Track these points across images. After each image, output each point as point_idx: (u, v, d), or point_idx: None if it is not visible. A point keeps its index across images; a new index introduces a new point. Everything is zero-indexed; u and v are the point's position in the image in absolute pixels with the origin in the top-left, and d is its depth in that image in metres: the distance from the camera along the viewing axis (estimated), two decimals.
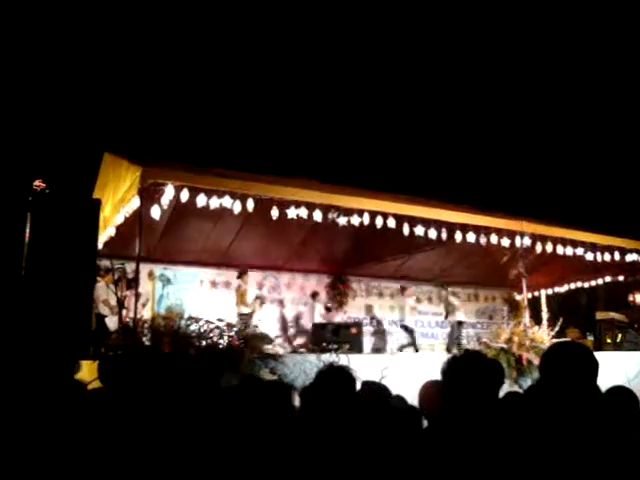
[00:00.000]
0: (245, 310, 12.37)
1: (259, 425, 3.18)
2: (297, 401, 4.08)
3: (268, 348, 9.46)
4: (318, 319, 13.96)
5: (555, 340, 9.76)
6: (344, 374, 3.37)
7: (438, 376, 3.18)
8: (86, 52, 22.89)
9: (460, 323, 14.19)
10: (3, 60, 20.00)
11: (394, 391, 4.38)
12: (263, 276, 14.44)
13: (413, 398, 4.22)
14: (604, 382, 2.86)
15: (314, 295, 14.62)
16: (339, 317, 14.42)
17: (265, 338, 10.10)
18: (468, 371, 2.69)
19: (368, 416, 2.71)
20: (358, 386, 3.53)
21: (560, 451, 2.27)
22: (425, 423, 3.78)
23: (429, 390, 4.05)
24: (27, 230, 4.49)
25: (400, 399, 4.22)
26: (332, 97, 26.50)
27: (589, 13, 24.93)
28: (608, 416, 2.44)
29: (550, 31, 26.48)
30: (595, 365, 2.49)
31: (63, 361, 4.19)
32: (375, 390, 4.15)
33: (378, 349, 14.65)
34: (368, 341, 14.42)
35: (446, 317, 14.59)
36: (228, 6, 25.89)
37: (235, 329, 8.77)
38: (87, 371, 6.47)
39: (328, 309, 14.42)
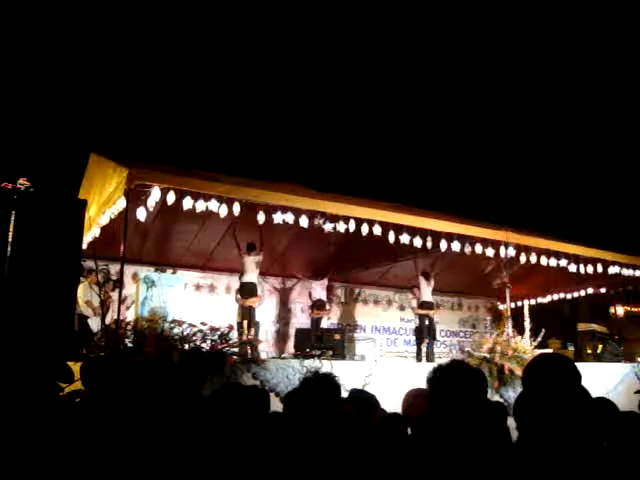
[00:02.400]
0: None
1: (237, 429, 3.18)
2: (279, 405, 4.09)
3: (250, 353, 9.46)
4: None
5: (538, 351, 9.80)
6: (329, 382, 3.37)
7: (420, 383, 3.19)
8: (75, 52, 22.81)
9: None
10: None
11: (377, 398, 4.38)
12: None
13: (395, 405, 4.22)
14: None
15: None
16: (323, 323, 14.37)
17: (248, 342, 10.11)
18: (453, 380, 2.70)
19: (354, 424, 2.70)
20: (343, 393, 3.53)
21: (543, 459, 2.28)
22: (409, 431, 3.79)
23: (414, 398, 4.05)
24: (10, 229, 4.46)
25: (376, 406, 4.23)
26: (321, 104, 26.53)
27: (586, 18, 25.09)
28: (593, 425, 2.45)
29: (538, 43, 26.62)
30: (578, 377, 2.51)
31: (45, 362, 4.16)
32: (363, 398, 4.15)
33: (361, 356, 14.66)
34: (351, 347, 14.44)
35: None
36: (218, 7, 25.87)
37: (218, 333, 8.74)
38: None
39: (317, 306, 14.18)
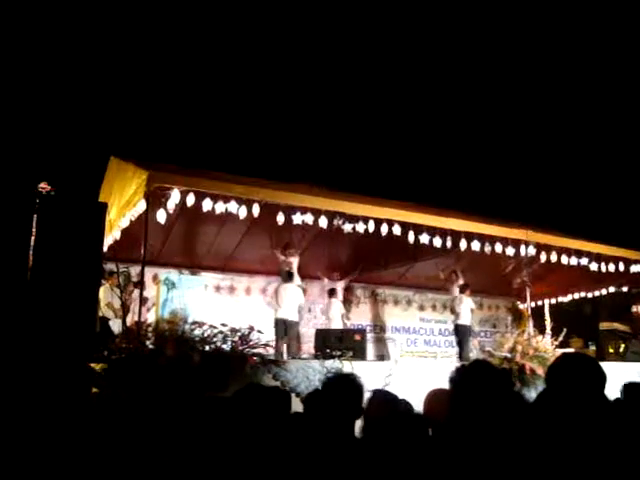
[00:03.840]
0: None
1: (258, 430, 3.18)
2: (300, 406, 4.08)
3: (271, 354, 9.45)
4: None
5: (561, 351, 9.73)
6: (352, 383, 3.37)
7: (441, 384, 3.17)
8: (94, 56, 22.95)
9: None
10: (9, 63, 20.06)
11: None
12: (267, 282, 14.38)
13: (416, 405, 4.21)
14: (606, 392, 2.84)
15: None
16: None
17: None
18: (477, 380, 2.68)
19: (377, 423, 2.70)
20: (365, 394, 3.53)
21: (567, 460, 2.26)
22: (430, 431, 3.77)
23: (435, 398, 4.04)
24: (33, 233, 4.49)
25: (406, 404, 4.21)
26: (340, 104, 26.52)
27: (588, 16, 24.92)
28: (617, 425, 2.43)
29: (556, 36, 26.45)
30: (602, 377, 2.48)
31: (68, 363, 4.19)
32: (385, 398, 4.14)
33: (382, 356, 14.64)
34: (372, 348, 14.42)
35: None
36: (237, 12, 25.94)
37: (239, 334, 8.75)
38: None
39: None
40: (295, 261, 12.51)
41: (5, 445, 3.06)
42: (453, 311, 14.29)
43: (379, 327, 15.91)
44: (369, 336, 14.26)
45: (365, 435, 3.34)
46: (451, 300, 14.69)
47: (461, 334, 13.82)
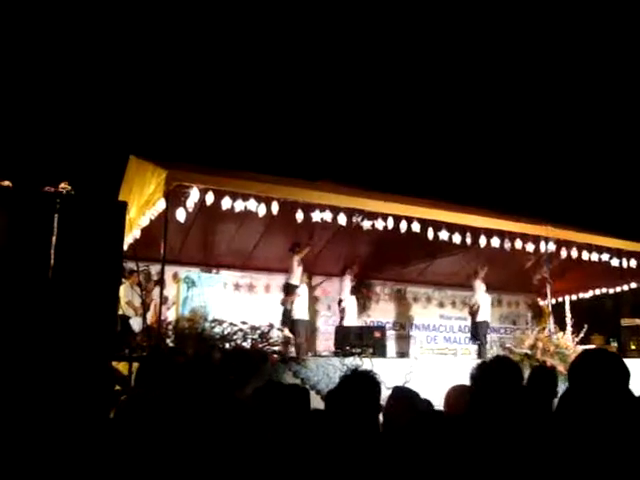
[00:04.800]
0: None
1: (277, 428, 3.19)
2: (320, 403, 4.08)
3: (291, 351, 9.48)
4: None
5: (583, 347, 9.68)
6: (369, 379, 3.37)
7: (461, 380, 3.17)
8: (115, 57, 23.08)
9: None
10: (30, 65, 20.22)
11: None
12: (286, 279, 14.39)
13: (436, 402, 4.20)
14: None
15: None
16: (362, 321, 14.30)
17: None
18: (498, 376, 2.68)
19: (396, 420, 2.70)
20: (383, 390, 3.52)
21: (592, 458, 2.25)
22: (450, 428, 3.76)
23: (455, 394, 4.03)
24: (54, 232, 4.53)
25: (428, 403, 4.20)
26: (360, 102, 26.51)
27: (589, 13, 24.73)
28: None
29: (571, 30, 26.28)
30: (626, 373, 2.46)
31: (90, 361, 4.22)
32: (405, 395, 4.13)
33: (402, 353, 14.61)
34: (392, 345, 14.38)
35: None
36: (256, 10, 25.98)
37: (258, 332, 8.78)
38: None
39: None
40: (296, 259, 12.46)
41: (24, 444, 3.08)
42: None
43: (399, 324, 15.87)
44: (389, 333, 14.21)
45: (385, 432, 3.34)
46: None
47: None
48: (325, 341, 13.91)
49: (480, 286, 13.72)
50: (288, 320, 12.02)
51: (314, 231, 11.57)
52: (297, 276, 12.48)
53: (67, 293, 4.49)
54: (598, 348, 8.88)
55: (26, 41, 20.42)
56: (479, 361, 2.90)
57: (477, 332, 13.64)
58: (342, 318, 13.55)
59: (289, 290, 12.42)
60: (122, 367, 6.84)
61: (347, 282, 13.86)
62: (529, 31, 26.34)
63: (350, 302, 13.77)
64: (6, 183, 4.63)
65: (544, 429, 2.49)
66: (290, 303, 12.30)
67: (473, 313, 13.63)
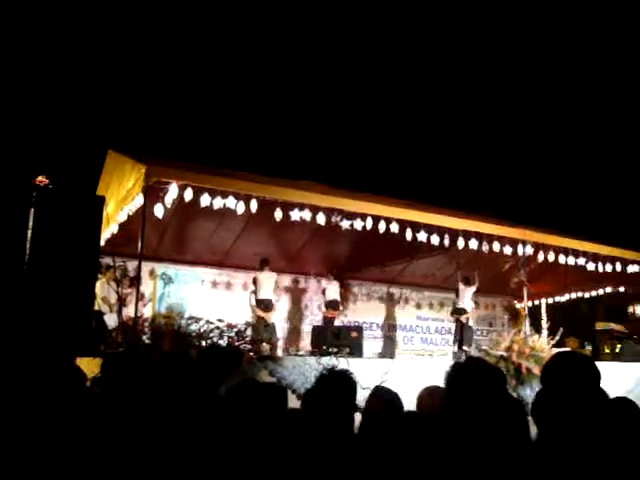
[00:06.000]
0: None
1: (253, 426, 3.18)
2: (296, 403, 4.08)
3: (267, 349, 9.46)
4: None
5: (556, 350, 9.74)
6: (345, 378, 3.37)
7: (438, 381, 3.17)
8: (92, 49, 22.92)
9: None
10: (7, 58, 20.02)
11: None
12: None
13: (410, 403, 4.21)
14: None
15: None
16: (339, 321, 14.34)
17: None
18: (471, 377, 2.69)
19: (375, 420, 2.71)
20: (359, 390, 3.52)
21: (561, 458, 2.27)
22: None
23: (428, 396, 4.04)
24: (29, 226, 4.49)
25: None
26: (339, 101, 26.51)
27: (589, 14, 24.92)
28: (613, 425, 2.43)
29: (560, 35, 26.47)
30: (597, 374, 2.50)
31: (63, 357, 4.18)
32: (385, 395, 4.13)
33: (379, 353, 14.64)
34: (368, 345, 14.41)
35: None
36: (234, 5, 25.92)
37: (235, 329, 8.76)
38: (85, 368, 6.47)
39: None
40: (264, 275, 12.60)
41: None
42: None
43: (376, 324, 15.91)
44: (366, 333, 14.24)
45: (362, 432, 3.34)
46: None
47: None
48: (302, 341, 13.97)
49: (470, 293, 13.89)
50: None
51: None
52: (268, 290, 12.57)
53: (42, 288, 4.45)
54: (570, 350, 8.95)
55: (2, 34, 20.21)
56: (452, 362, 2.91)
57: (463, 338, 13.77)
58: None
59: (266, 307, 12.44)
60: (96, 363, 6.78)
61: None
62: (509, 37, 26.47)
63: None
64: None
65: (515, 429, 2.50)
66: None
67: (464, 320, 13.84)
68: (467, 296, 13.94)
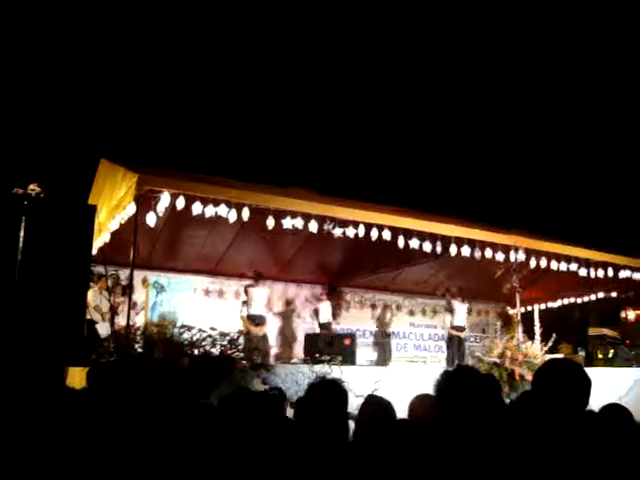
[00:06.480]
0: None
1: (247, 435, 3.17)
2: (289, 411, 4.07)
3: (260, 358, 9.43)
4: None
5: (549, 356, 9.75)
6: (336, 387, 3.36)
7: (430, 389, 3.17)
8: (84, 57, 22.90)
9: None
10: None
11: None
12: None
13: (403, 411, 4.21)
14: (595, 398, 2.85)
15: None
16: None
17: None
18: (461, 386, 2.69)
19: (368, 429, 2.70)
20: (352, 398, 3.52)
21: (546, 466, 2.27)
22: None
23: (419, 403, 4.03)
24: (21, 234, 4.47)
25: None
26: (330, 109, 26.55)
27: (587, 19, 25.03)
28: (599, 434, 2.44)
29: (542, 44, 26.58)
30: (588, 384, 2.50)
31: (54, 366, 4.17)
32: (379, 403, 4.13)
33: (371, 361, 14.64)
34: (361, 353, 14.40)
35: None
36: (228, 12, 25.95)
37: (228, 338, 8.74)
38: (77, 378, 6.44)
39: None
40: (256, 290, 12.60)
41: None
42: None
43: (369, 332, 15.91)
44: (359, 341, 14.23)
45: (355, 440, 3.33)
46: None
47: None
48: (295, 349, 13.95)
49: (465, 308, 13.92)
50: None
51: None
52: (260, 306, 12.56)
53: (33, 297, 4.44)
54: (562, 358, 8.97)
55: None
56: (442, 370, 2.91)
57: (460, 356, 13.78)
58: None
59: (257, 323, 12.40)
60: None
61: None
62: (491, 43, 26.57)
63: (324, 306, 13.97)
64: None
65: (503, 437, 2.51)
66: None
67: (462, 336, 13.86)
68: (463, 312, 13.95)
